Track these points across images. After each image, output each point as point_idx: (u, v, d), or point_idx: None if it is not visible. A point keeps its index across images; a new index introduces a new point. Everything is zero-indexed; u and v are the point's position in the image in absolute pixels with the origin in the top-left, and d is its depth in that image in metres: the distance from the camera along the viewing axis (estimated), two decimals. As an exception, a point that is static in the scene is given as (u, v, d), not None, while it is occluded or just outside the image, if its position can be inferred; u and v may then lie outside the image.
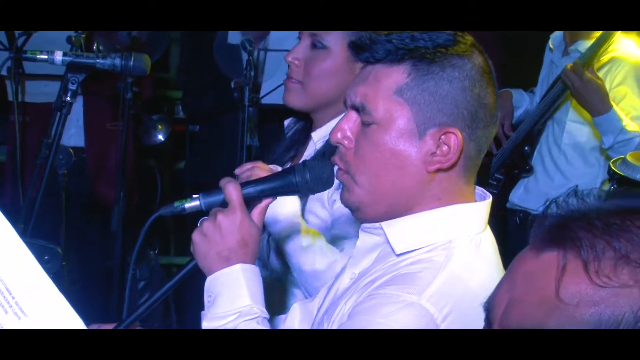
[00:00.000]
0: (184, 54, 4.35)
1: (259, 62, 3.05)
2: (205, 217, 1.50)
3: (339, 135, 1.39)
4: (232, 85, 3.25)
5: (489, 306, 0.87)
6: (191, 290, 2.86)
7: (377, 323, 1.24)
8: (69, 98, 2.27)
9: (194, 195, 1.52)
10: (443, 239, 1.34)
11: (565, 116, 3.13)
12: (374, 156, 1.35)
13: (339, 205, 1.87)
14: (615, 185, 2.63)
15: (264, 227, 1.66)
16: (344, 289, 1.44)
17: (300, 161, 1.62)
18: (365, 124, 1.36)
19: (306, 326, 1.58)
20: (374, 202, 1.38)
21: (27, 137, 3.17)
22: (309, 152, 2.02)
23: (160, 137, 3.72)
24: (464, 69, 1.33)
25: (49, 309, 1.20)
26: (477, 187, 1.44)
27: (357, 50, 1.38)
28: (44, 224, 2.51)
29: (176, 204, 1.50)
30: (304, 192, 1.51)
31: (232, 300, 1.44)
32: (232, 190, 1.47)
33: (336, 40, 1.88)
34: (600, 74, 2.95)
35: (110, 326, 1.60)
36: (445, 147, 1.33)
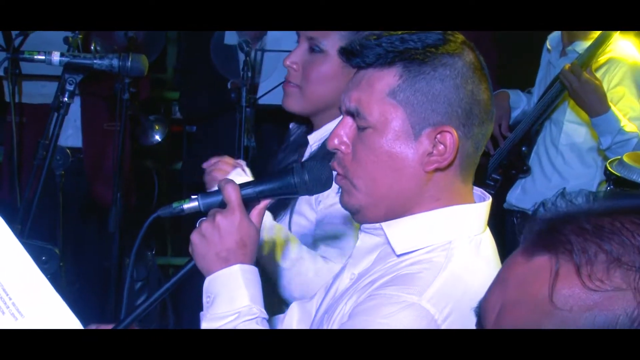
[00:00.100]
0: (180, 55, 4.35)
1: (256, 62, 3.05)
2: (204, 218, 1.50)
3: (335, 141, 1.40)
4: (229, 86, 3.25)
5: (481, 311, 0.86)
6: (188, 290, 2.87)
7: (378, 323, 1.25)
8: (66, 99, 2.27)
9: (193, 196, 1.52)
10: (443, 239, 1.34)
11: (563, 117, 3.14)
12: (371, 160, 1.35)
13: (321, 207, 1.88)
14: (611, 186, 2.63)
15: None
16: (343, 289, 1.44)
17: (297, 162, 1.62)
18: (361, 129, 1.37)
19: (304, 326, 1.58)
20: (373, 205, 1.38)
21: (24, 138, 3.16)
22: (307, 156, 2.03)
23: (158, 137, 3.72)
24: (455, 67, 1.33)
25: (46, 309, 1.20)
26: (477, 188, 1.44)
27: (348, 56, 1.39)
28: (41, 224, 2.51)
29: (175, 204, 1.50)
30: (302, 193, 1.51)
31: (231, 300, 1.44)
32: (230, 191, 1.47)
33: (334, 44, 1.88)
34: (598, 74, 2.95)
35: (108, 327, 1.59)
36: (441, 147, 1.33)
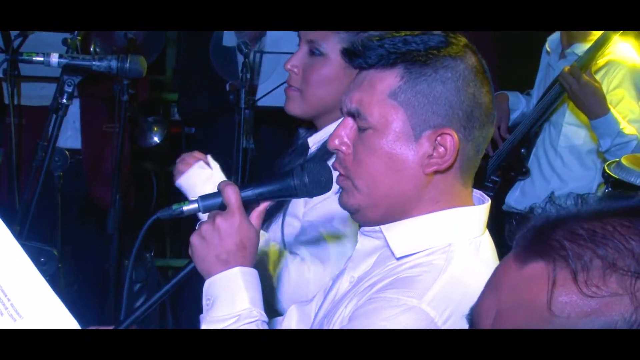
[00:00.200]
0: (179, 56, 4.35)
1: (254, 64, 3.05)
2: (204, 220, 1.49)
3: (336, 142, 1.40)
4: (227, 88, 3.25)
5: (473, 317, 0.86)
6: (187, 292, 2.87)
7: (378, 327, 1.24)
8: (65, 100, 2.27)
9: (192, 198, 1.52)
10: (443, 242, 1.34)
11: (562, 119, 3.14)
12: (372, 161, 1.35)
13: (305, 211, 1.88)
14: (610, 188, 2.63)
15: None
16: (343, 292, 1.44)
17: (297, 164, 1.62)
18: (361, 130, 1.37)
19: (304, 328, 1.58)
20: (373, 206, 1.38)
21: (23, 140, 3.16)
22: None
23: (156, 139, 3.72)
24: (457, 69, 1.33)
25: (45, 311, 1.20)
26: (476, 190, 1.44)
27: (350, 56, 1.39)
28: (40, 226, 2.51)
29: (174, 206, 1.50)
30: (302, 196, 1.51)
31: (231, 303, 1.44)
32: (230, 193, 1.47)
33: (333, 47, 1.87)
34: (598, 77, 2.95)
35: (108, 329, 1.59)
36: (441, 149, 1.33)
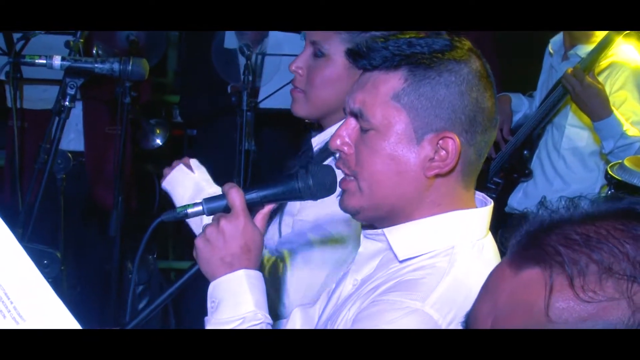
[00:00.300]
0: (181, 58, 4.36)
1: (256, 66, 3.05)
2: (209, 223, 1.49)
3: (338, 142, 1.40)
4: (229, 90, 3.25)
5: (469, 323, 0.86)
6: (190, 294, 2.86)
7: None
8: (67, 103, 2.27)
9: (197, 201, 1.51)
10: (445, 245, 1.34)
11: (565, 120, 3.13)
12: (374, 162, 1.35)
13: (299, 208, 1.89)
14: (612, 190, 2.63)
15: None
16: (346, 295, 1.44)
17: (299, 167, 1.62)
18: (364, 130, 1.37)
19: (307, 331, 1.58)
20: (374, 207, 1.38)
21: (26, 143, 3.16)
22: None
23: (159, 141, 3.72)
24: (461, 73, 1.33)
25: (47, 313, 1.19)
26: (478, 192, 1.44)
27: (354, 57, 1.39)
28: (43, 228, 2.51)
29: (178, 209, 1.50)
30: (306, 198, 1.50)
31: (236, 306, 1.44)
32: (235, 196, 1.47)
33: (336, 48, 1.87)
34: (600, 78, 2.95)
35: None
36: (443, 152, 1.33)
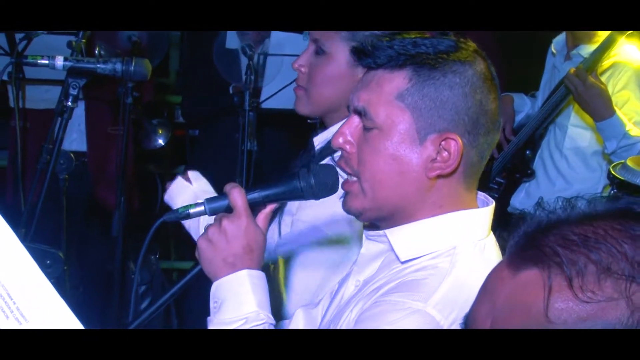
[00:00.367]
0: (183, 58, 4.36)
1: (258, 66, 3.05)
2: (211, 223, 1.49)
3: (340, 140, 1.40)
4: (231, 91, 3.25)
5: (467, 325, 0.86)
6: (192, 295, 2.86)
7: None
8: (70, 103, 2.27)
9: (199, 201, 1.51)
10: (447, 245, 1.34)
11: (567, 120, 3.13)
12: (376, 161, 1.35)
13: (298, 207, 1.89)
14: (615, 190, 2.63)
15: None
16: (349, 296, 1.44)
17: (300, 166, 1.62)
18: (367, 129, 1.37)
19: (309, 332, 1.58)
20: (376, 208, 1.38)
21: (28, 143, 3.16)
22: None
23: (161, 141, 3.72)
24: (465, 75, 1.33)
25: (50, 314, 1.20)
26: (480, 192, 1.44)
27: (359, 55, 1.39)
28: (45, 228, 2.50)
29: (180, 209, 1.50)
30: (308, 198, 1.50)
31: (239, 306, 1.44)
32: (237, 196, 1.47)
33: (337, 46, 1.87)
34: (603, 78, 2.95)
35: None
36: (445, 153, 1.33)
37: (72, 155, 2.87)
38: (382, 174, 1.35)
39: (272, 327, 1.45)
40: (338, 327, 1.39)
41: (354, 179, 1.39)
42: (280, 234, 1.94)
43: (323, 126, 2.03)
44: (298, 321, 1.62)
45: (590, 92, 2.86)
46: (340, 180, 1.46)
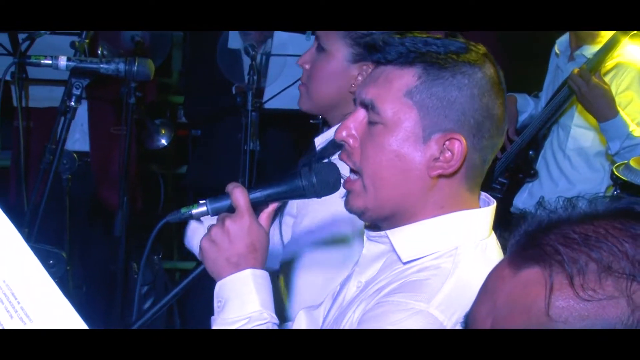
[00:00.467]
0: (185, 58, 4.36)
1: (261, 66, 3.05)
2: (214, 224, 1.49)
3: (344, 133, 1.39)
4: (234, 91, 3.25)
5: (468, 324, 0.86)
6: (195, 295, 2.87)
7: None
8: (73, 103, 2.28)
9: (201, 201, 1.51)
10: (449, 245, 1.34)
11: (571, 121, 3.13)
12: (378, 157, 1.35)
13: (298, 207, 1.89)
14: (618, 190, 2.63)
15: None
16: (350, 298, 1.44)
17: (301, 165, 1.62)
18: (372, 123, 1.36)
19: (312, 333, 1.58)
20: (378, 207, 1.38)
21: (31, 143, 3.17)
22: None
23: (164, 141, 3.73)
24: (474, 77, 1.33)
25: (54, 313, 1.20)
26: (482, 192, 1.44)
27: (370, 50, 1.39)
28: (48, 228, 2.51)
29: (183, 210, 1.50)
30: (310, 196, 1.50)
31: (242, 305, 1.44)
32: (239, 195, 1.47)
33: (334, 43, 1.88)
34: (606, 79, 2.94)
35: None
36: (448, 154, 1.33)
37: (75, 155, 2.87)
38: (384, 171, 1.35)
39: (275, 327, 1.45)
40: (340, 328, 1.39)
41: (356, 177, 1.39)
42: (281, 235, 1.94)
43: (326, 126, 2.03)
44: (300, 323, 1.62)
45: (593, 93, 2.86)
46: (342, 180, 1.46)
